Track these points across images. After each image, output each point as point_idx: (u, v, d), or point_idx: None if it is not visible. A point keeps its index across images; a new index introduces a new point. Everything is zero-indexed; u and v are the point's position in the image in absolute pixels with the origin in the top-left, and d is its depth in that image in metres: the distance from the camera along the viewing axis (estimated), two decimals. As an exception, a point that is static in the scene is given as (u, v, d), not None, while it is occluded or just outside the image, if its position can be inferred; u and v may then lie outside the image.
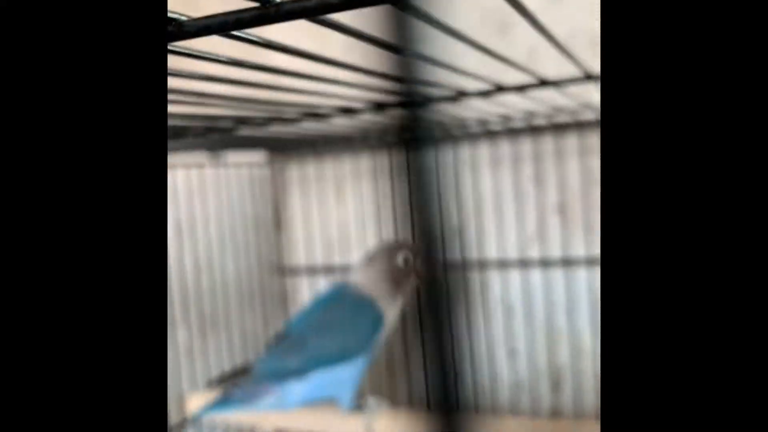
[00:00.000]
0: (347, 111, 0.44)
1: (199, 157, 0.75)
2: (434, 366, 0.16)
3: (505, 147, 0.76)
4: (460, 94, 0.41)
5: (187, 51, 0.24)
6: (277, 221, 0.88)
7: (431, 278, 0.16)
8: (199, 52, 0.24)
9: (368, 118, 0.49)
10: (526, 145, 0.75)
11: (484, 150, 0.77)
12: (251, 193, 0.84)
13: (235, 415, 0.64)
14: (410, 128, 0.15)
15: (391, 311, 0.59)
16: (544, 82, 0.41)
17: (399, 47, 0.14)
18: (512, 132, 0.73)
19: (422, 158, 0.15)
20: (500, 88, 0.40)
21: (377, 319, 0.58)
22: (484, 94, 0.40)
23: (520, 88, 0.41)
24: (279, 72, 0.31)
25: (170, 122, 0.43)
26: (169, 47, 0.22)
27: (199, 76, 0.29)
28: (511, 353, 0.79)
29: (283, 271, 0.89)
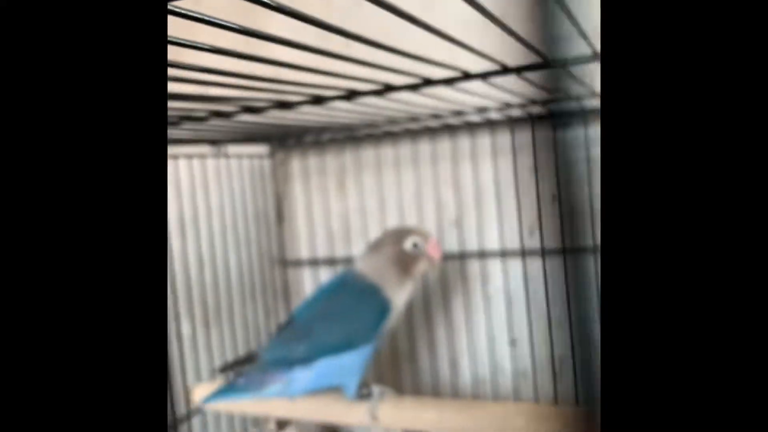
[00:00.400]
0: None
1: (202, 148, 0.73)
2: (583, 359, 0.14)
3: (505, 136, 0.74)
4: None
5: (190, 13, 0.21)
6: (279, 213, 0.86)
7: (577, 265, 0.15)
8: (204, 15, 0.22)
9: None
10: (525, 133, 0.73)
11: (485, 139, 0.75)
12: (253, 185, 0.82)
13: (240, 405, 0.62)
14: (556, 98, 0.13)
15: (400, 298, 0.58)
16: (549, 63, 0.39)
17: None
18: (512, 121, 0.71)
19: (568, 133, 0.13)
20: (506, 69, 0.39)
21: (384, 307, 0.56)
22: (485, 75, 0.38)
23: (520, 69, 0.39)
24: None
25: (169, 104, 0.41)
26: (169, 6, 0.20)
27: (210, 48, 0.26)
28: (512, 343, 0.77)
29: (285, 263, 0.87)
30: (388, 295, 0.56)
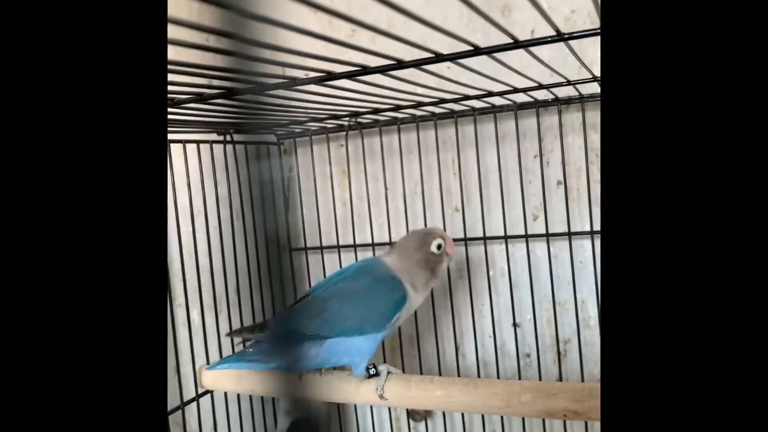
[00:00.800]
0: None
1: (209, 135, 0.72)
2: None
3: (509, 123, 0.73)
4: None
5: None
6: (285, 201, 0.85)
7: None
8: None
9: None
10: (529, 119, 0.72)
11: (490, 125, 0.74)
12: (259, 172, 0.81)
13: (248, 385, 0.61)
14: None
15: (419, 296, 0.58)
16: (560, 35, 0.38)
17: None
18: (517, 107, 0.70)
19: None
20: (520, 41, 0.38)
21: (401, 300, 0.55)
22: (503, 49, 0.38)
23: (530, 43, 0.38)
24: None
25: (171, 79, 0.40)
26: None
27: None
28: (516, 325, 0.76)
29: (290, 250, 0.86)
30: (409, 290, 0.56)
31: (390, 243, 0.79)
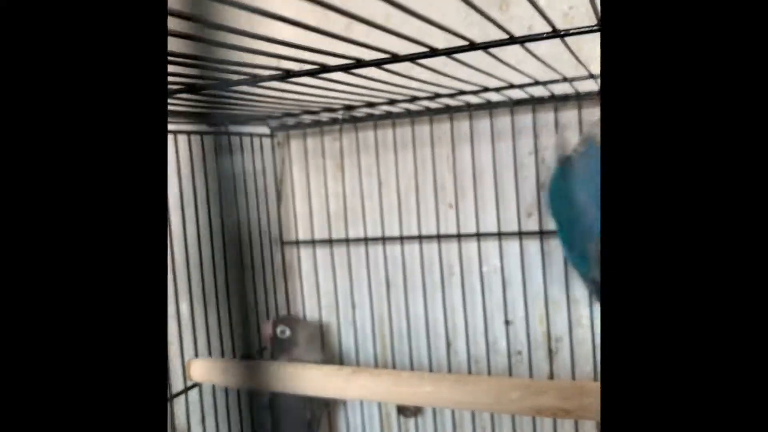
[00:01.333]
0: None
1: (201, 126, 0.72)
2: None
3: (505, 119, 0.73)
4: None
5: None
6: (278, 193, 0.85)
7: None
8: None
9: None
10: (525, 115, 0.72)
11: (485, 122, 0.74)
12: (252, 165, 0.81)
13: (237, 378, 0.61)
14: None
15: None
16: (556, 32, 0.38)
17: None
18: (512, 103, 0.70)
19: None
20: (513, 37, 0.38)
21: None
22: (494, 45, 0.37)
23: (526, 39, 0.38)
24: None
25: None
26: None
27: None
28: (508, 322, 0.76)
29: (282, 243, 0.86)
30: None
31: (383, 238, 0.80)
